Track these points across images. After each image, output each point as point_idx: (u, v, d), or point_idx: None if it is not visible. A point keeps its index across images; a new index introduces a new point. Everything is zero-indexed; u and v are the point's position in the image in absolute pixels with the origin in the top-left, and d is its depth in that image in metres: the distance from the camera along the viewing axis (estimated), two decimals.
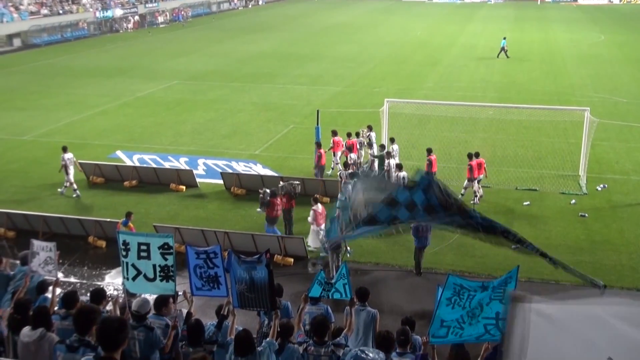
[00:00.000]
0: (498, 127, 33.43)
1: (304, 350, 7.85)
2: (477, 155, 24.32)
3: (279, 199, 20.76)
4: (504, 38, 56.23)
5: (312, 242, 19.93)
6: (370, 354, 5.33)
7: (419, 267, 18.97)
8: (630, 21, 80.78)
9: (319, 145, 26.18)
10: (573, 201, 24.24)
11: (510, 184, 25.87)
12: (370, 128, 27.49)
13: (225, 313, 10.48)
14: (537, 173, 27.02)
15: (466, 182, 24.28)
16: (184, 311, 11.16)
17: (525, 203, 24.09)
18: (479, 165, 24.20)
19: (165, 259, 10.40)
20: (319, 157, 25.80)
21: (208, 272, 10.89)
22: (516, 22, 79.85)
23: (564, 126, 32.16)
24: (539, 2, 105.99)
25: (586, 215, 23.05)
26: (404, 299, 17.67)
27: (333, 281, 10.74)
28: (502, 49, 54.99)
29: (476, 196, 24.06)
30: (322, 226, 19.36)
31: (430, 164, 24.98)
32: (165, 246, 10.37)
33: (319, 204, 19.93)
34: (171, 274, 10.43)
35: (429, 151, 25.30)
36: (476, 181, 24.12)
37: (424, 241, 18.68)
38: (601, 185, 25.64)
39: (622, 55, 56.04)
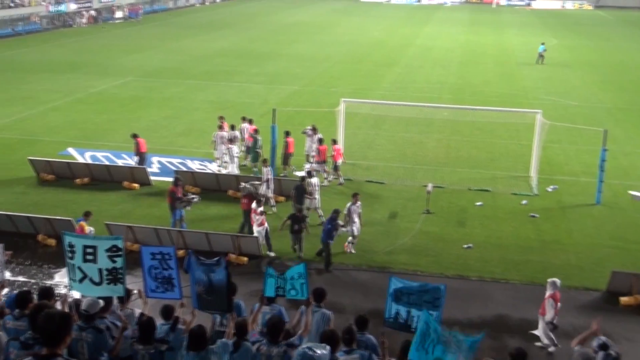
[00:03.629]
0: (453, 128, 33.84)
1: (257, 350, 7.85)
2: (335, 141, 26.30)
3: (179, 189, 21.31)
4: (543, 43, 56.29)
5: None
6: (318, 350, 5.36)
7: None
8: (581, 26, 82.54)
9: (287, 133, 26.81)
10: (524, 202, 24.68)
11: (463, 184, 26.21)
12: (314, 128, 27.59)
13: (179, 315, 10.39)
14: (489, 174, 27.44)
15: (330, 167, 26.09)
16: (137, 311, 11.02)
17: (477, 203, 24.44)
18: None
19: (114, 262, 10.19)
20: (286, 145, 26.59)
21: (162, 274, 10.75)
22: (471, 25, 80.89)
23: (516, 128, 32.70)
24: (494, 6, 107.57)
25: (537, 215, 23.49)
26: (360, 297, 17.77)
27: (288, 276, 10.72)
28: (540, 54, 55.06)
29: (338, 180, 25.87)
30: (259, 228, 19.84)
31: (287, 145, 26.53)
32: (114, 249, 10.15)
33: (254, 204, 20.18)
34: (120, 276, 10.24)
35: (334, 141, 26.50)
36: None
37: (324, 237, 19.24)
38: (551, 187, 26.15)
39: (573, 59, 57.23)
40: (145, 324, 9.29)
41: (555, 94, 43.06)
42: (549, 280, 15.46)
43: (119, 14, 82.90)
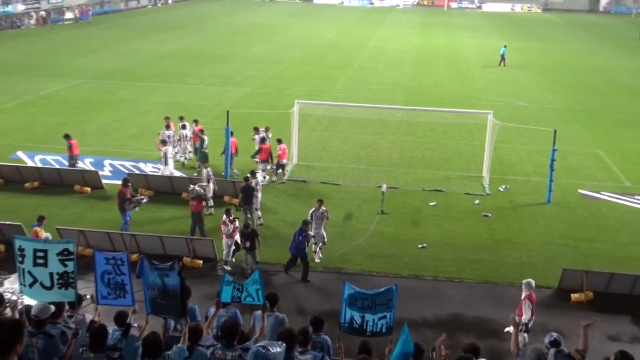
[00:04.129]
0: (406, 129, 34.13)
1: (212, 354, 7.75)
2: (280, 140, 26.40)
3: (128, 190, 21.18)
4: (505, 46, 56.98)
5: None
6: (272, 349, 5.30)
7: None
8: (530, 29, 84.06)
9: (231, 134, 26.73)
10: (477, 201, 25.01)
11: (417, 185, 26.44)
12: (267, 129, 27.50)
13: (131, 322, 10.22)
14: (443, 174, 27.73)
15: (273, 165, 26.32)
16: (88, 317, 10.80)
17: (431, 204, 24.68)
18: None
19: (65, 265, 9.96)
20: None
21: (116, 279, 10.54)
22: (423, 28, 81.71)
23: (468, 129, 33.15)
24: (445, 8, 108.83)
25: (489, 215, 23.83)
26: (315, 299, 17.77)
27: (244, 284, 10.68)
28: (502, 56, 55.76)
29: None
30: (228, 240, 19.28)
31: (259, 149, 26.30)
32: (65, 252, 9.91)
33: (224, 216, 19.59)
34: (71, 280, 10.01)
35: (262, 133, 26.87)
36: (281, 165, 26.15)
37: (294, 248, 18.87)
38: (503, 186, 26.57)
39: (522, 61, 58.22)
40: (97, 331, 9.08)
41: (506, 95, 43.79)
42: (524, 281, 15.44)
43: (69, 15, 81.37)
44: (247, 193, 21.60)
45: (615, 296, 18.37)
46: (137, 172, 26.38)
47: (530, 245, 21.62)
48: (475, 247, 21.41)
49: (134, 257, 18.98)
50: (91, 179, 25.23)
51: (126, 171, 26.27)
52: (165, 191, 24.76)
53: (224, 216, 19.44)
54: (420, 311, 17.14)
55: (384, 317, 10.85)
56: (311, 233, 19.32)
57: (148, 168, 27.40)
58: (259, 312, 11.08)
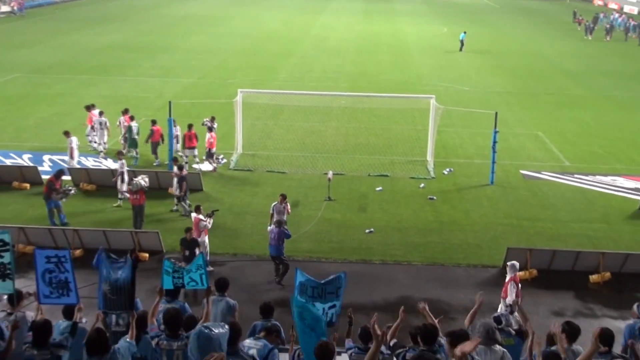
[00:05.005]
0: (350, 116, 34.24)
1: (156, 345, 7.57)
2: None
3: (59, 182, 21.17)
4: (464, 32, 57.60)
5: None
6: (215, 329, 5.19)
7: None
8: (470, 14, 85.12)
9: (153, 122, 26.96)
10: (422, 185, 25.26)
11: (363, 170, 26.56)
12: (212, 119, 27.21)
13: (78, 319, 9.96)
14: (388, 159, 27.89)
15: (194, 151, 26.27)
16: (29, 314, 10.47)
17: (377, 189, 24.82)
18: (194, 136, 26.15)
19: (1, 257, 9.72)
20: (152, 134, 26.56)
21: (59, 277, 10.23)
22: (365, 15, 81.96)
23: (412, 114, 33.41)
24: None
25: (434, 198, 24.10)
26: (265, 286, 17.68)
27: (185, 270, 10.50)
28: (462, 42, 56.20)
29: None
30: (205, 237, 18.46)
31: (152, 133, 26.58)
32: (0, 243, 9.67)
33: (194, 214, 18.91)
34: (8, 272, 9.75)
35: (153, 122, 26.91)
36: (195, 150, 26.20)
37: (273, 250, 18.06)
38: (447, 169, 26.90)
39: (464, 46, 58.90)
40: (40, 326, 8.79)
41: (448, 80, 44.28)
42: (509, 263, 15.64)
43: (4, 8, 78.76)
44: (180, 182, 21.80)
45: (558, 273, 18.82)
46: (78, 166, 25.74)
47: (475, 226, 21.95)
48: (421, 230, 21.63)
49: (77, 252, 18.62)
50: (30, 175, 24.56)
51: (66, 166, 25.60)
52: (108, 185, 24.16)
53: (195, 214, 18.64)
54: (370, 295, 17.24)
55: (334, 306, 10.90)
56: (288, 232, 18.26)
57: (89, 162, 26.80)
58: (213, 297, 10.95)
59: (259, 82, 41.48)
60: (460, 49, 56.15)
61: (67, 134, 25.64)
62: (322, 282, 10.73)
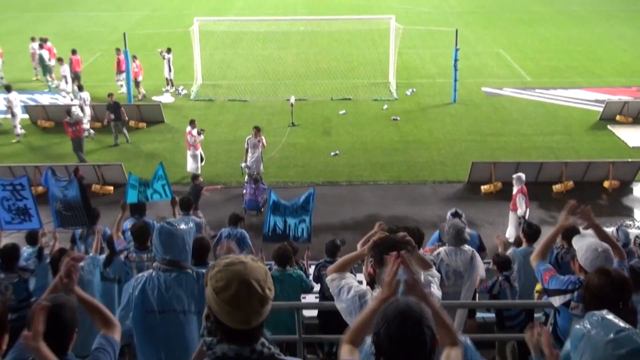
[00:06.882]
0: (310, 41, 33.76)
1: (125, 258, 7.50)
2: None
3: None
4: None
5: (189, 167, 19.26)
6: (178, 225, 5.09)
7: None
8: None
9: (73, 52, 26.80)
10: (385, 106, 25.18)
11: (325, 95, 26.33)
12: (169, 50, 26.57)
13: (44, 244, 9.87)
14: (350, 83, 27.66)
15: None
16: None
17: (341, 112, 24.67)
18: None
19: None
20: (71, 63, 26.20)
21: (17, 205, 10.19)
22: None
23: (372, 37, 33.01)
24: None
25: (398, 118, 24.06)
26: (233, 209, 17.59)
27: (148, 183, 10.34)
28: None
29: None
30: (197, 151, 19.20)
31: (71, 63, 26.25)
32: None
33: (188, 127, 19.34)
34: None
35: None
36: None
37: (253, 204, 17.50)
38: (410, 90, 26.82)
39: None
40: (8, 250, 8.70)
41: (407, 2, 43.67)
42: (514, 175, 15.64)
43: None
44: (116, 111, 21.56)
45: None
46: (34, 104, 25.07)
47: (439, 144, 22.03)
48: (386, 150, 21.64)
49: (41, 189, 18.26)
50: None
51: (22, 104, 24.89)
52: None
53: (189, 127, 19.21)
54: (338, 215, 17.30)
55: (303, 220, 11.03)
56: (265, 186, 17.51)
57: (46, 100, 26.12)
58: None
59: (216, 11, 40.49)
60: None
61: (60, 61, 25.80)
62: (293, 202, 10.91)
